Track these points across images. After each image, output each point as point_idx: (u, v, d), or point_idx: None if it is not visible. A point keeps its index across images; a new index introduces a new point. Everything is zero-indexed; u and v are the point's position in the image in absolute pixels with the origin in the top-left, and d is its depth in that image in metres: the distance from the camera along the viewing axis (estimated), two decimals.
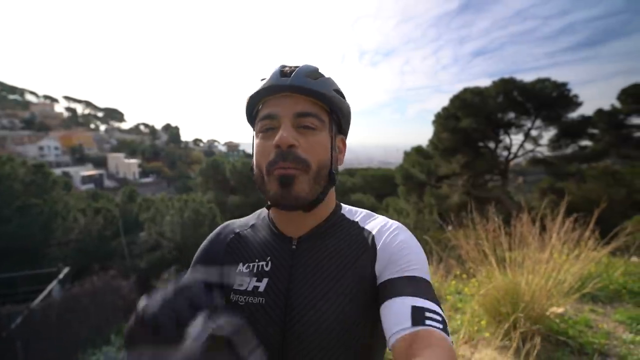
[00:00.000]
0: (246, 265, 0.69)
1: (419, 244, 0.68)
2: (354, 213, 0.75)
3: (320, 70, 0.67)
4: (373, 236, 0.68)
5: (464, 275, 3.06)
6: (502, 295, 2.25)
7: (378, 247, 0.66)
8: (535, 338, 1.87)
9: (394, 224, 0.71)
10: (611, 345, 2.18)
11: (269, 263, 0.68)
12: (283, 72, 0.64)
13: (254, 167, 0.67)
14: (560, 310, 2.30)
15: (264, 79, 0.66)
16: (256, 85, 0.67)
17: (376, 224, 0.71)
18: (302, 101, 0.63)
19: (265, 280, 0.66)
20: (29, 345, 6.96)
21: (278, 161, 0.60)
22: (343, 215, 0.73)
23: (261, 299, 0.64)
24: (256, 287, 0.66)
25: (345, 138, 0.75)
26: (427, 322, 0.52)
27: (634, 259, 3.79)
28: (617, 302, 2.78)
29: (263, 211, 0.79)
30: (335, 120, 0.69)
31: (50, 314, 7.70)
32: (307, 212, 0.66)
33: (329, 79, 0.67)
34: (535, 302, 2.15)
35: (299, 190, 0.61)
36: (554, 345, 2.15)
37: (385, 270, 0.63)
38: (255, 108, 0.68)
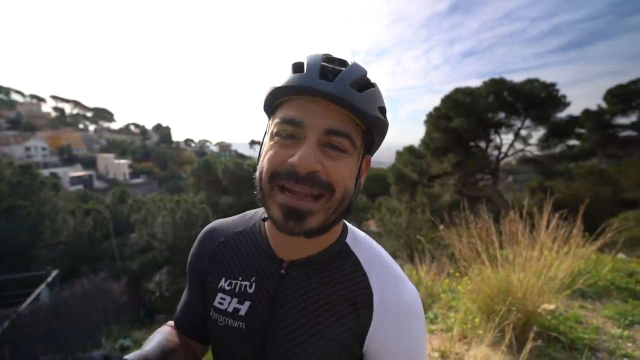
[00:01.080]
0: (228, 282, 0.63)
1: (424, 333, 0.60)
2: (361, 245, 0.64)
3: (368, 76, 0.55)
4: (372, 301, 0.57)
5: (457, 274, 3.09)
6: (494, 293, 2.28)
7: (372, 325, 0.57)
8: (528, 334, 1.89)
9: (405, 293, 0.58)
10: (600, 340, 2.23)
11: (253, 284, 0.60)
12: (324, 72, 0.51)
13: (258, 170, 0.55)
14: (551, 306, 2.34)
15: (298, 64, 0.53)
16: (285, 74, 0.53)
17: (382, 283, 0.59)
18: (337, 114, 0.51)
19: (247, 304, 0.59)
20: (17, 350, 6.80)
21: (289, 179, 0.49)
22: (347, 246, 0.63)
23: (241, 323, 0.59)
24: (237, 310, 0.59)
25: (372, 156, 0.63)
26: None
27: (621, 255, 3.88)
28: (605, 298, 2.84)
29: (255, 215, 0.70)
30: (369, 142, 0.57)
31: (38, 317, 7.55)
32: (309, 238, 0.55)
33: (375, 91, 0.54)
34: (527, 299, 2.19)
35: (313, 224, 0.51)
36: (546, 341, 2.19)
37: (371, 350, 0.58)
38: (277, 100, 0.56)
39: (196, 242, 0.71)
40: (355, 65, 0.54)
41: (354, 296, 0.58)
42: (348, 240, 0.64)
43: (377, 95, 0.55)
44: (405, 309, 0.57)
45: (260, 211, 0.70)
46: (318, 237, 0.56)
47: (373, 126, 0.54)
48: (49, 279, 9.43)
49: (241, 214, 0.74)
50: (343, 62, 0.55)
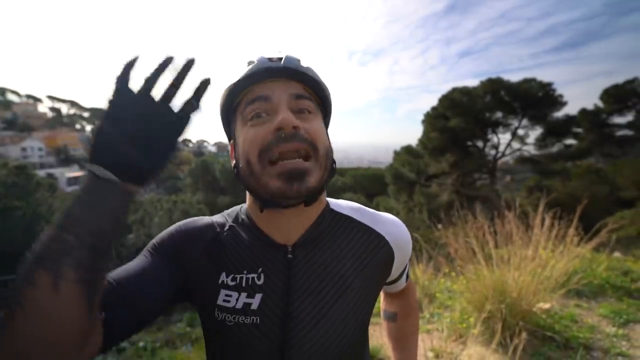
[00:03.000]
0: (231, 276, 0.58)
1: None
2: (342, 205, 0.69)
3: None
4: (388, 242, 0.65)
5: (453, 273, 3.09)
6: (490, 292, 2.27)
7: (395, 255, 0.66)
8: (523, 334, 1.89)
9: (399, 224, 0.70)
10: (595, 339, 2.23)
11: (262, 276, 0.58)
12: (271, 60, 0.58)
13: (240, 161, 0.57)
14: (546, 306, 2.34)
15: (248, 61, 0.59)
16: (236, 74, 0.59)
17: (386, 226, 0.67)
18: (296, 85, 0.58)
19: (258, 297, 0.57)
20: None
21: (279, 143, 0.52)
22: (334, 211, 0.66)
23: (255, 318, 0.56)
24: (248, 305, 0.56)
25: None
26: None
27: (617, 254, 3.89)
28: (600, 296, 2.84)
29: (239, 212, 0.67)
30: (323, 112, 0.64)
31: None
32: (308, 206, 0.58)
33: (315, 68, 0.62)
34: (522, 299, 2.19)
35: (312, 182, 0.54)
36: (541, 341, 2.18)
37: (396, 271, 0.71)
38: (237, 98, 0.60)
39: (181, 226, 0.64)
40: (292, 54, 0.61)
41: (369, 248, 0.64)
42: (333, 206, 0.67)
43: (316, 71, 0.62)
44: (399, 225, 0.69)
45: (243, 207, 0.67)
46: (311, 208, 0.60)
47: (324, 93, 0.62)
48: None
49: (222, 212, 0.70)
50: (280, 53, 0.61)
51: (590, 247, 2.88)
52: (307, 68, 0.59)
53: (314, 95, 0.61)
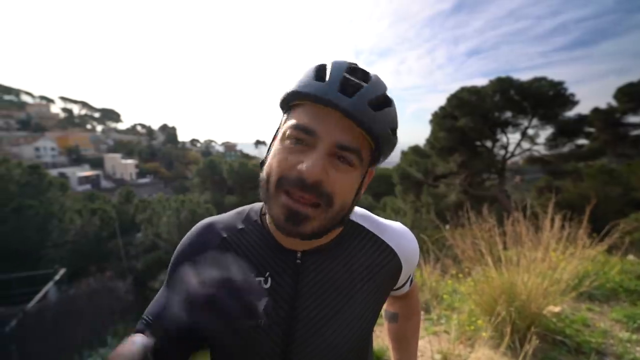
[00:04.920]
0: None
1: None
2: (356, 215, 0.68)
3: (387, 93, 0.56)
4: (396, 254, 0.66)
5: (461, 275, 3.05)
6: (498, 295, 2.24)
7: (403, 267, 0.67)
8: (532, 337, 1.85)
9: (408, 236, 0.70)
10: (608, 344, 2.17)
11: (269, 279, 0.59)
12: (345, 85, 0.51)
13: (265, 168, 0.56)
14: (557, 309, 2.29)
15: (321, 70, 0.54)
16: (306, 77, 0.54)
17: (396, 237, 0.68)
18: (350, 130, 0.51)
19: (264, 300, 0.59)
20: (24, 347, 6.90)
21: (295, 186, 0.50)
22: (349, 220, 0.66)
23: (260, 320, 0.57)
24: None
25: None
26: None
27: (631, 257, 3.79)
28: (613, 300, 2.77)
29: (251, 211, 0.68)
30: (375, 158, 0.57)
31: (46, 315, 7.66)
32: (302, 240, 0.56)
33: (391, 111, 0.55)
34: (531, 301, 2.14)
35: (307, 228, 0.52)
36: (551, 345, 2.14)
37: (402, 280, 0.71)
38: (293, 101, 0.56)
39: (193, 235, 0.66)
40: (376, 81, 0.54)
41: (377, 259, 0.64)
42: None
43: (392, 115, 0.56)
44: (408, 237, 0.70)
45: (256, 207, 0.68)
46: None
47: (383, 144, 0.55)
48: (57, 277, 9.58)
49: (234, 211, 0.71)
50: (366, 75, 0.55)
51: (603, 249, 2.81)
52: (375, 116, 0.51)
53: (371, 144, 0.55)
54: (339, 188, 0.52)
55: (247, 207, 0.70)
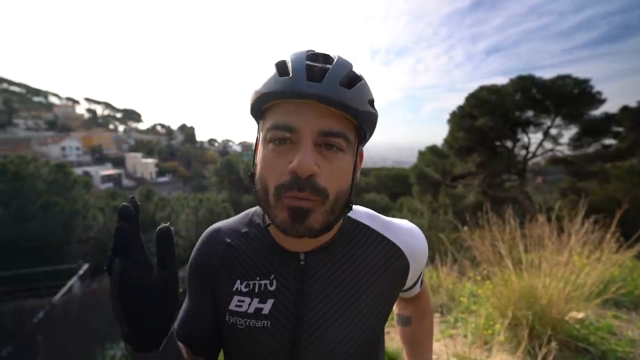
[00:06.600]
0: (245, 283, 0.60)
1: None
2: (362, 215, 0.68)
3: (354, 70, 0.54)
4: (403, 252, 0.65)
5: (479, 277, 2.98)
6: (517, 298, 2.17)
7: (410, 266, 0.66)
8: (552, 343, 1.79)
9: (416, 234, 0.69)
10: (636, 353, 2.07)
11: (274, 282, 0.60)
12: (311, 72, 0.50)
13: (257, 179, 0.54)
14: (580, 315, 2.20)
15: (282, 65, 0.52)
16: (269, 77, 0.52)
17: (402, 236, 0.66)
18: (329, 114, 0.50)
19: (270, 302, 0.58)
20: (50, 338, 7.21)
21: (293, 189, 0.49)
22: (350, 218, 0.66)
23: (266, 322, 0.58)
24: (259, 309, 0.58)
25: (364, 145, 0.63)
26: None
27: None
28: None
29: (254, 214, 0.68)
30: (362, 137, 0.57)
31: (70, 308, 7.97)
32: (312, 238, 0.56)
33: (364, 85, 0.53)
34: (552, 306, 2.07)
35: (313, 223, 0.51)
36: (573, 352, 2.06)
37: (410, 281, 0.70)
38: (264, 105, 0.54)
39: (200, 244, 0.67)
40: (340, 60, 0.53)
41: (383, 258, 0.64)
42: (349, 214, 0.66)
43: (366, 89, 0.54)
44: (415, 235, 0.68)
45: (259, 209, 0.68)
46: None
47: (365, 120, 0.54)
48: (81, 272, 9.95)
49: (241, 214, 0.72)
50: (327, 58, 0.54)
51: (631, 255, 2.69)
52: (350, 93, 0.50)
53: (353, 122, 0.53)
54: (332, 177, 0.51)
55: (252, 210, 0.70)
